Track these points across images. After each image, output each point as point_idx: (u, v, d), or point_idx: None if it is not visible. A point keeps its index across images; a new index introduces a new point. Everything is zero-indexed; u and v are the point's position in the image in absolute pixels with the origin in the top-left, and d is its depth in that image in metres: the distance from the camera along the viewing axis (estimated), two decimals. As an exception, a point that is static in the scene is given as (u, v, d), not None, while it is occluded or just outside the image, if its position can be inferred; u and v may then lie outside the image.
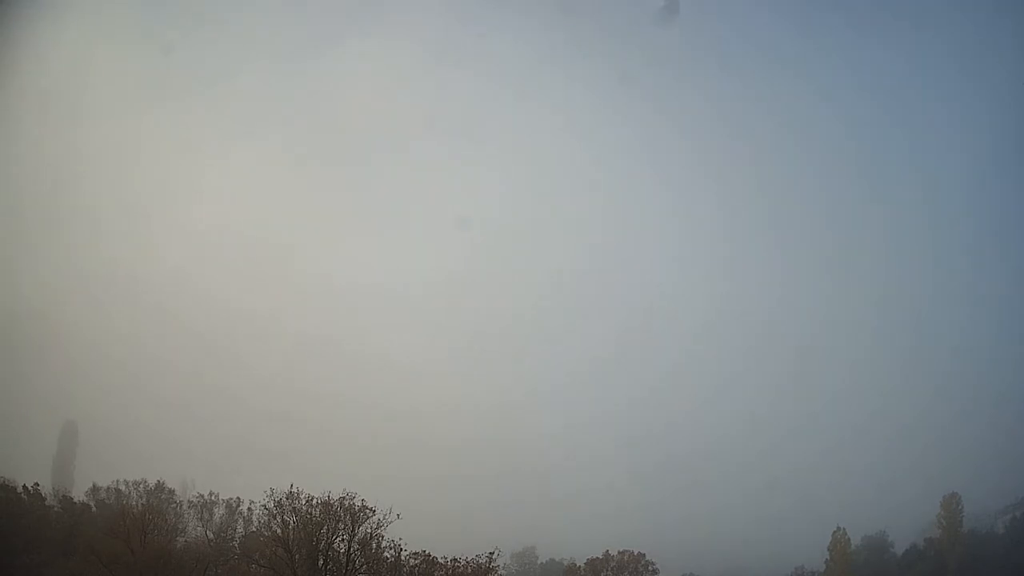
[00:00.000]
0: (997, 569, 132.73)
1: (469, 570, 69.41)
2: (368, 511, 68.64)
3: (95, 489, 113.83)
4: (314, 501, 68.83)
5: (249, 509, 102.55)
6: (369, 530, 68.67)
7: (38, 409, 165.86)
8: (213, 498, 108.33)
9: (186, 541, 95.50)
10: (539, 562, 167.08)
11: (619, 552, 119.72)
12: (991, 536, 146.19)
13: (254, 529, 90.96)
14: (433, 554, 70.63)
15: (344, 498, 68.91)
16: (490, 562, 70.68)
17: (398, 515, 68.60)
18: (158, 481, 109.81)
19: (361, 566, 68.83)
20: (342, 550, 68.66)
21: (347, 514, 68.59)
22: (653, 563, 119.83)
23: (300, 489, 69.18)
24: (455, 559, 70.27)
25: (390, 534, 68.84)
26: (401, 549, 69.57)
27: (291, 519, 68.97)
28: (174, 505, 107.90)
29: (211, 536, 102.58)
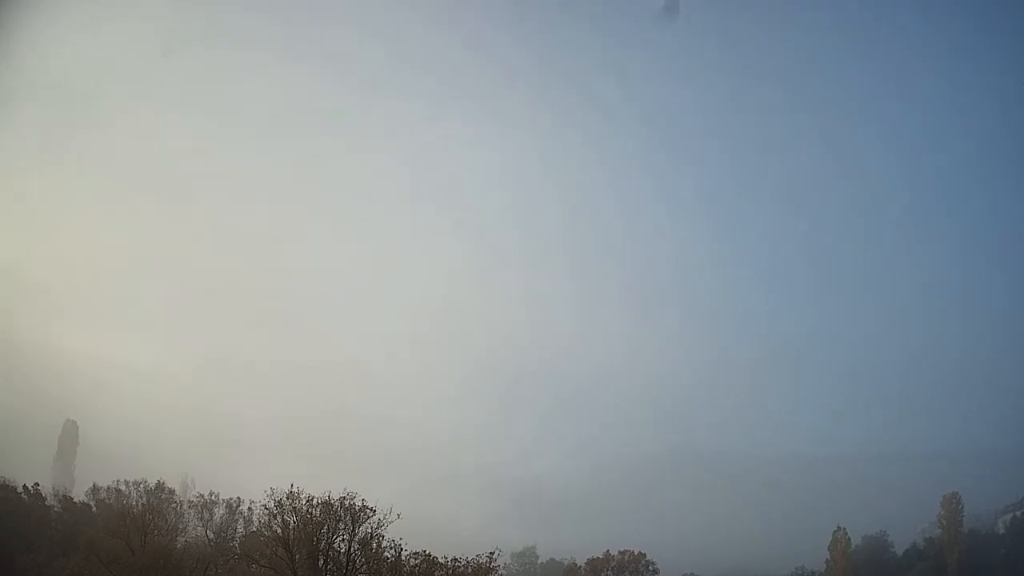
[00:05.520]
0: (997, 569, 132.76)
1: (469, 570, 69.24)
2: (368, 511, 68.50)
3: (95, 489, 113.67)
4: (314, 501, 68.68)
5: (249, 509, 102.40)
6: (369, 530, 68.55)
7: (38, 409, 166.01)
8: (213, 498, 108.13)
9: (186, 541, 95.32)
10: (539, 562, 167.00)
11: (619, 552, 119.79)
12: (991, 536, 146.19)
13: (254, 529, 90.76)
14: (433, 554, 70.46)
15: (344, 498, 68.81)
16: (490, 562, 70.53)
17: (398, 515, 68.54)
18: (158, 481, 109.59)
19: (361, 566, 68.68)
20: (342, 550, 68.52)
21: (347, 514, 68.45)
22: (653, 563, 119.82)
23: (300, 489, 69.07)
24: (455, 559, 70.10)
25: (390, 534, 68.76)
26: (401, 549, 69.42)
27: (291, 519, 68.80)
28: (174, 505, 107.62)
29: (211, 536, 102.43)
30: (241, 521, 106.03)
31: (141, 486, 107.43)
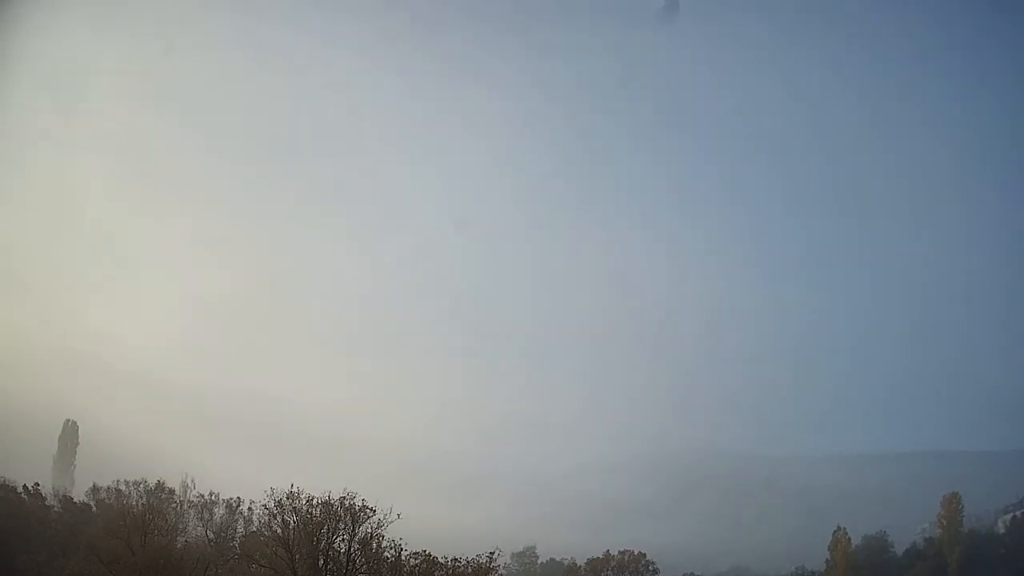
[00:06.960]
0: (997, 569, 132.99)
1: (469, 570, 69.16)
2: (368, 511, 68.46)
3: (95, 489, 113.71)
4: (315, 501, 68.64)
5: (249, 509, 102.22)
6: (370, 530, 68.51)
7: (38, 409, 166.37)
8: (213, 498, 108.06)
9: (186, 541, 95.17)
10: (539, 562, 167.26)
11: (619, 552, 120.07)
12: (991, 536, 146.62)
13: (254, 529, 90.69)
14: (433, 554, 70.43)
15: (345, 498, 68.78)
16: (490, 562, 70.48)
17: (398, 515, 68.49)
18: (158, 481, 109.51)
19: (362, 566, 68.62)
20: (343, 550, 68.48)
21: (348, 514, 68.39)
22: (653, 563, 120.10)
23: (300, 489, 69.06)
24: (455, 559, 70.04)
25: (390, 534, 68.74)
26: (401, 549, 69.37)
27: (291, 519, 68.74)
28: (174, 505, 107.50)
29: (211, 536, 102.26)
30: (241, 521, 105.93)
31: (141, 486, 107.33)
